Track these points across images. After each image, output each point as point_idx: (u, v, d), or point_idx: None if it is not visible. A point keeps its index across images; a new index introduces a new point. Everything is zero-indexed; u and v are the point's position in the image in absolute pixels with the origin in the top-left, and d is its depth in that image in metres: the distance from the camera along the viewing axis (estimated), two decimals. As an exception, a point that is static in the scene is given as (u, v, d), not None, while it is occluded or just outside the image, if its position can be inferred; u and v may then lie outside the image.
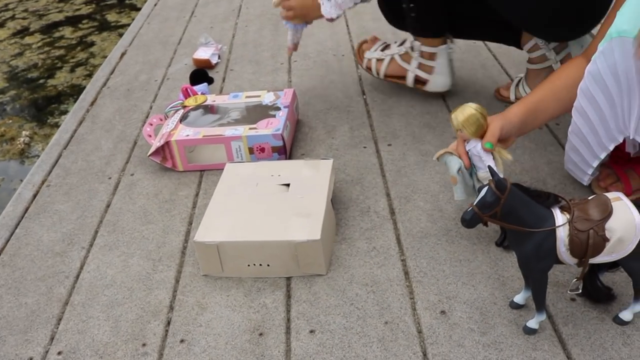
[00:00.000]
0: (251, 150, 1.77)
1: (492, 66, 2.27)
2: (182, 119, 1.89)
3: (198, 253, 1.40)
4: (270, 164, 1.62)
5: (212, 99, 1.99)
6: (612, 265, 1.19)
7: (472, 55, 2.37)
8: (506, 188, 1.07)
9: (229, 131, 1.78)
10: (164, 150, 1.80)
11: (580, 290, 1.20)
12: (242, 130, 1.78)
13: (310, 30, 2.70)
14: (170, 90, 2.34)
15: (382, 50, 2.08)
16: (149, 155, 1.80)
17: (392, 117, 1.99)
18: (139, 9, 4.11)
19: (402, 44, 2.05)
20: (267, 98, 1.95)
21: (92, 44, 3.76)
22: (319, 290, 1.36)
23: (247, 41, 2.72)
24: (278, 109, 1.88)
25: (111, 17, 4.17)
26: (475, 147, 1.35)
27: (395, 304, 1.30)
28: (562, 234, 1.10)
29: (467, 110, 1.33)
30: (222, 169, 1.61)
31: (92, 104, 2.29)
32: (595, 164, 1.43)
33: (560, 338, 1.20)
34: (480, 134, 1.35)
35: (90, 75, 3.28)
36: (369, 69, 2.11)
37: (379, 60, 2.08)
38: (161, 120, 1.95)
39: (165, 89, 2.35)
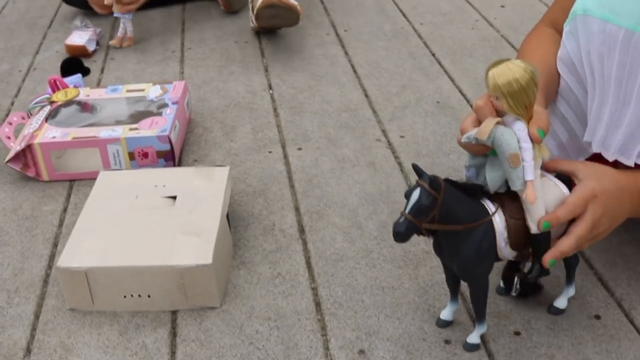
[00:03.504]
0: (132, 156, 1.74)
1: (422, 55, 2.26)
2: (49, 117, 1.84)
3: (63, 282, 1.35)
4: (154, 172, 1.59)
5: (85, 93, 1.95)
6: None
7: (399, 42, 2.36)
8: (441, 186, 1.07)
9: (104, 132, 1.74)
10: (25, 155, 1.75)
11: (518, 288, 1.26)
12: (121, 131, 1.74)
13: (209, 13, 2.70)
14: (38, 82, 2.29)
15: None
16: (7, 161, 1.75)
17: (303, 115, 1.98)
18: (4, -14, 4.01)
19: None
20: (152, 92, 1.92)
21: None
22: (211, 327, 1.32)
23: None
24: (165, 105, 1.85)
25: (-30, -5, 4.05)
26: (516, 127, 1.07)
27: (304, 342, 1.27)
28: (500, 226, 1.12)
29: (519, 73, 1.03)
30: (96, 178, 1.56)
31: (-61, 98, 2.22)
32: None
33: (501, 381, 1.18)
34: (526, 110, 1.06)
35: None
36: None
37: None
38: (23, 118, 1.91)
39: (31, 81, 2.30)
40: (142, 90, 1.94)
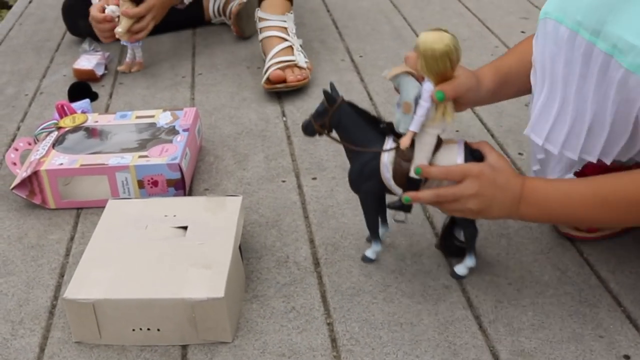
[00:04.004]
0: (141, 184, 1.73)
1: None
2: (56, 143, 1.83)
3: (69, 314, 1.34)
4: (164, 202, 1.58)
5: (94, 119, 1.95)
6: None
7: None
8: (335, 101, 1.35)
9: (113, 159, 1.73)
10: (31, 182, 1.74)
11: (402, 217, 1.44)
12: (130, 158, 1.73)
13: (220, 38, 2.70)
14: (44, 107, 2.28)
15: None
16: (13, 188, 1.74)
17: (317, 144, 1.97)
18: (10, 7, 4.03)
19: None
20: (162, 119, 1.91)
21: (-49, 49, 3.65)
22: (222, 363, 1.31)
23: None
24: (176, 132, 1.84)
25: (-24, 17, 4.07)
26: (425, 86, 1.25)
27: (319, 380, 1.26)
28: (387, 159, 1.33)
29: (438, 45, 1.20)
30: (105, 207, 1.55)
31: (-57, 123, 2.21)
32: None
33: None
34: (437, 76, 1.25)
35: (-54, 88, 3.17)
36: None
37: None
38: (30, 144, 1.90)
39: (37, 106, 2.30)
40: (152, 116, 1.93)
